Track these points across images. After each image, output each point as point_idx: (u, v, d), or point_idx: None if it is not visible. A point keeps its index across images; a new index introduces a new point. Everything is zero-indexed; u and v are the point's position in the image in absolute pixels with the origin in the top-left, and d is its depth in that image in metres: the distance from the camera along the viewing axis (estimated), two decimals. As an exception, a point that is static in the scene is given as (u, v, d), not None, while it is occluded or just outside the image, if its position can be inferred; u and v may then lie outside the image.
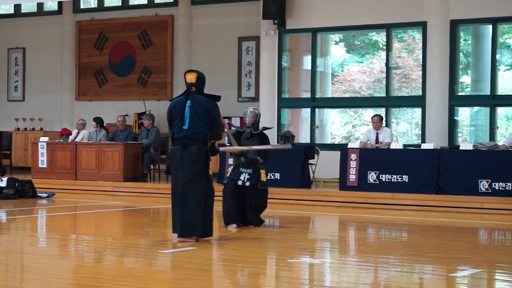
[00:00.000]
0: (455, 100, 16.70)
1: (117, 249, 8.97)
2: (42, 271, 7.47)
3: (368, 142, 15.82)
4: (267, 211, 11.22)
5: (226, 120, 18.45)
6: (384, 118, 16.50)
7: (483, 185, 14.27)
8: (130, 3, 21.82)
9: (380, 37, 19.01)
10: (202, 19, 20.59)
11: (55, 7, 22.61)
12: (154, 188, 16.61)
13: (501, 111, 17.40)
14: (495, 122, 16.56)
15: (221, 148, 10.64)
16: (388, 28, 17.35)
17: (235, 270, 7.74)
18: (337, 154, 15.81)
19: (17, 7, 23.04)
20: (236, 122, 18.30)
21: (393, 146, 15.44)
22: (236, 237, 9.93)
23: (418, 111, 17.82)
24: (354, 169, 15.28)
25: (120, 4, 21.81)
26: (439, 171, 14.66)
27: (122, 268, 7.85)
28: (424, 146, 15.17)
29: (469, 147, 14.82)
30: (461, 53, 17.07)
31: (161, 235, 10.03)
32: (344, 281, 7.29)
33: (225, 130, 10.78)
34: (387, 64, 17.51)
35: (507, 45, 17.74)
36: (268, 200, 11.13)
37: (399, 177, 14.94)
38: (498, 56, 16.53)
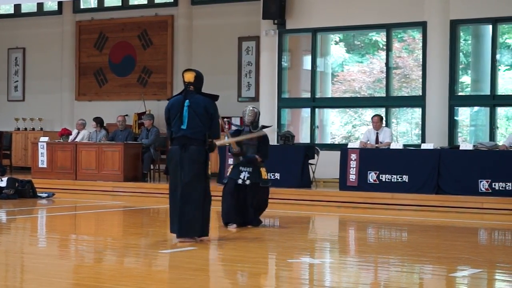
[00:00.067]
0: (455, 100, 16.70)
1: (117, 249, 8.97)
2: (42, 271, 7.47)
3: (368, 142, 15.82)
4: (267, 211, 11.21)
5: (226, 120, 18.48)
6: (384, 118, 16.50)
7: (483, 185, 14.27)
8: (130, 3, 21.83)
9: (380, 37, 19.01)
10: (202, 19, 20.60)
11: (55, 7, 22.61)
12: (154, 188, 16.61)
13: (501, 111, 17.40)
14: (495, 122, 16.56)
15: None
16: (388, 28, 17.35)
17: (235, 270, 7.73)
18: (337, 154, 15.81)
19: (17, 7, 23.04)
20: (236, 122, 18.29)
21: (393, 146, 15.44)
22: (236, 237, 9.93)
23: (418, 111, 17.82)
24: (354, 169, 15.28)
25: (120, 4, 21.81)
26: (439, 171, 14.66)
27: (122, 268, 7.85)
28: (424, 146, 15.17)
29: (469, 147, 14.82)
30: (461, 53, 17.08)
31: (161, 235, 10.03)
32: (344, 281, 7.30)
33: (224, 130, 10.77)
34: (387, 64, 17.51)
35: (507, 45, 17.74)
36: (268, 200, 11.10)
37: (399, 177, 14.94)
38: (498, 56, 16.53)
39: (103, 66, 21.82)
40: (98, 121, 18.58)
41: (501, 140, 16.21)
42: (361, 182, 15.20)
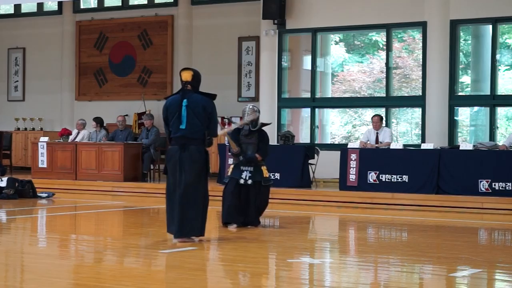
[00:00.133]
0: (455, 100, 16.70)
1: (117, 249, 8.97)
2: (42, 271, 7.47)
3: (368, 142, 15.82)
4: (267, 211, 11.21)
5: (226, 120, 18.49)
6: (384, 118, 16.50)
7: (483, 185, 14.27)
8: (130, 3, 21.83)
9: (380, 37, 19.02)
10: (202, 19, 20.60)
11: (55, 7, 22.61)
12: (154, 188, 16.61)
13: (501, 111, 17.41)
14: (495, 122, 16.56)
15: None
16: (388, 28, 17.35)
17: (235, 270, 7.73)
18: (337, 154, 15.81)
19: (17, 7, 23.05)
20: (236, 121, 18.28)
21: (393, 146, 15.44)
22: (236, 237, 9.93)
23: (418, 111, 17.82)
24: (354, 169, 15.28)
25: (120, 4, 21.81)
26: (439, 171, 14.66)
27: (122, 268, 7.86)
28: (424, 146, 15.17)
29: (469, 147, 14.82)
30: (461, 53, 17.08)
31: (161, 235, 10.02)
32: (344, 281, 7.30)
33: (225, 130, 10.76)
34: (387, 64, 17.52)
35: (507, 45, 17.74)
36: (269, 200, 11.10)
37: (399, 177, 14.95)
38: (498, 56, 16.53)
39: (103, 66, 21.83)
40: (98, 121, 18.58)
41: (501, 140, 16.22)
42: (361, 182, 15.20)
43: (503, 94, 16.92)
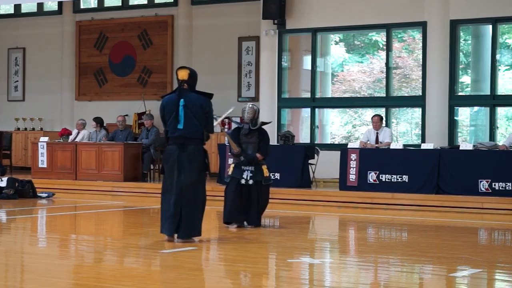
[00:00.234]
0: (455, 100, 16.70)
1: (117, 249, 8.97)
2: (42, 271, 7.47)
3: (368, 142, 15.82)
4: (267, 211, 11.21)
5: (226, 120, 18.48)
6: (384, 118, 16.50)
7: (483, 185, 14.27)
8: (130, 3, 21.83)
9: (380, 37, 19.02)
10: (202, 19, 20.60)
11: (55, 7, 22.61)
12: (154, 188, 16.58)
13: (501, 111, 17.41)
14: (495, 122, 16.56)
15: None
16: (388, 28, 17.35)
17: (235, 270, 7.74)
18: (337, 154, 15.81)
19: (17, 7, 23.04)
20: (236, 120, 18.29)
21: (393, 146, 15.44)
22: (236, 237, 9.93)
23: (418, 111, 17.82)
24: (354, 169, 15.28)
25: (120, 4, 21.81)
26: (439, 171, 14.66)
27: (122, 268, 7.86)
28: (424, 146, 15.17)
29: (469, 147, 14.82)
30: (461, 53, 17.08)
31: (161, 235, 9.99)
32: (344, 281, 7.29)
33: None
34: (387, 64, 17.52)
35: (507, 45, 17.74)
36: (269, 200, 11.09)
37: (399, 177, 14.95)
38: (498, 56, 16.53)
39: (103, 66, 21.83)
40: (98, 121, 18.58)
41: (501, 140, 16.22)
42: (361, 182, 15.20)
43: (503, 94, 16.92)
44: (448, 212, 13.81)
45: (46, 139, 18.40)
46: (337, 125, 20.37)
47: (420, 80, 17.25)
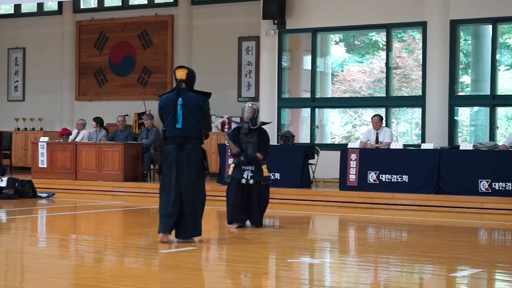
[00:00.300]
0: (455, 100, 16.70)
1: (117, 249, 8.97)
2: (42, 271, 7.47)
3: (368, 142, 15.82)
4: (267, 211, 11.19)
5: (226, 120, 18.47)
6: (384, 118, 16.50)
7: (483, 185, 14.27)
8: (130, 3, 21.83)
9: (380, 37, 19.01)
10: (202, 19, 20.60)
11: (55, 7, 22.62)
12: (154, 188, 16.57)
13: (501, 111, 17.41)
14: (495, 122, 16.56)
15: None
16: (388, 28, 17.35)
17: (235, 270, 7.74)
18: (337, 154, 15.81)
19: (17, 7, 23.04)
20: (236, 120, 18.30)
21: (393, 146, 15.44)
22: (236, 237, 9.93)
23: (418, 111, 17.82)
24: (354, 169, 15.28)
25: (120, 4, 21.81)
26: (439, 171, 14.66)
27: (122, 268, 7.86)
28: (424, 146, 15.17)
29: (469, 147, 14.82)
30: (461, 53, 17.08)
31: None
32: (344, 281, 7.29)
33: (225, 137, 10.73)
34: (387, 64, 17.52)
35: (507, 45, 17.74)
36: (269, 199, 11.09)
37: (399, 177, 14.95)
38: (498, 56, 16.53)
39: (103, 66, 21.83)
40: (98, 121, 18.58)
41: (501, 140, 16.22)
42: (361, 182, 15.20)
43: (503, 94, 16.92)
44: (448, 212, 13.81)
45: (46, 139, 18.40)
46: (337, 125, 20.37)
47: (420, 80, 17.25)
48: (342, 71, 20.07)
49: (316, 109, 18.33)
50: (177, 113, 9.04)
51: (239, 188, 10.65)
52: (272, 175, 15.48)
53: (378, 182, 15.09)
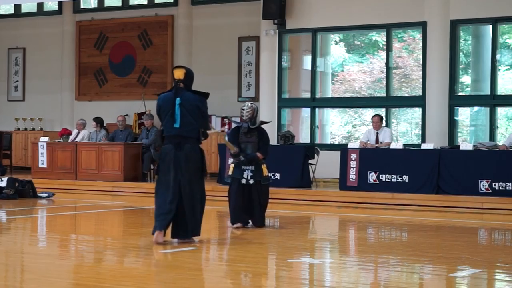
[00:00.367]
0: (455, 100, 16.70)
1: (117, 249, 8.97)
2: (42, 271, 7.47)
3: (368, 142, 15.82)
4: (267, 211, 11.19)
5: (226, 120, 18.47)
6: (384, 118, 16.50)
7: (483, 185, 14.27)
8: (130, 3, 21.83)
9: (380, 37, 19.01)
10: (202, 19, 20.60)
11: (55, 7, 22.62)
12: (154, 188, 16.57)
13: (501, 111, 17.40)
14: (495, 122, 16.56)
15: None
16: (388, 28, 17.35)
17: (235, 270, 7.74)
18: (337, 154, 15.81)
19: (17, 7, 23.05)
20: (236, 119, 18.29)
21: (393, 146, 15.44)
22: (236, 237, 9.93)
23: (418, 111, 17.82)
24: (354, 169, 15.28)
25: (120, 4, 21.82)
26: (439, 171, 14.66)
27: (122, 268, 7.85)
28: (424, 146, 15.17)
29: (469, 147, 14.82)
30: (461, 53, 17.08)
31: (161, 235, 10.01)
32: (344, 281, 7.29)
33: (225, 138, 10.72)
34: (387, 64, 17.52)
35: (507, 45, 17.74)
36: (268, 199, 11.09)
37: (399, 177, 14.95)
38: (498, 56, 16.53)
39: (103, 66, 21.83)
40: (98, 121, 18.59)
41: (501, 140, 16.22)
42: (361, 182, 15.20)
43: (503, 94, 16.92)
44: (448, 212, 13.81)
45: (46, 139, 18.40)
46: (337, 125, 20.37)
47: (420, 80, 17.25)
48: (342, 71, 20.07)
49: (316, 109, 18.32)
50: (175, 113, 9.02)
51: (239, 188, 10.65)
52: (272, 175, 15.47)
53: (378, 182, 15.09)
